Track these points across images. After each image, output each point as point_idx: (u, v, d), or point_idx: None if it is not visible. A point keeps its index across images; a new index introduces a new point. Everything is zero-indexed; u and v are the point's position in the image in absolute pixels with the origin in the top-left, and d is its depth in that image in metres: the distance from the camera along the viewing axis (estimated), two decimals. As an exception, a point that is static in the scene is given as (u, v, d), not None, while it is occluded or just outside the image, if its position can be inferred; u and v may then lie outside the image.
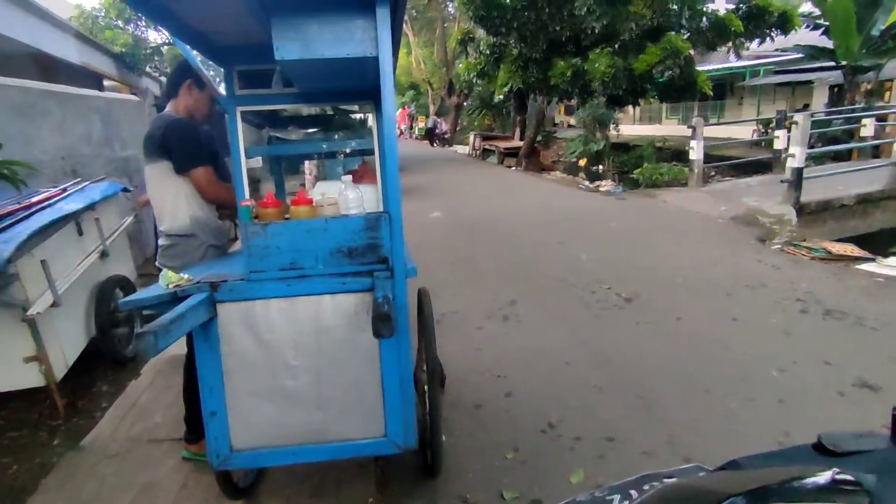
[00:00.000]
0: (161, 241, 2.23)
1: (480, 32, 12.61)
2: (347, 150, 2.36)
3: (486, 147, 17.94)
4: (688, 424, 2.51)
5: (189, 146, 2.11)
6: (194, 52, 1.94)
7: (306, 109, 2.65)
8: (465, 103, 25.37)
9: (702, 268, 4.86)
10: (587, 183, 10.79)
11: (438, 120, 25.43)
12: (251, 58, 1.93)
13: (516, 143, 16.90)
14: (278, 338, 1.53)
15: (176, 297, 1.48)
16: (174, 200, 2.15)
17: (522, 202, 8.90)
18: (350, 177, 1.64)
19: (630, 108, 16.83)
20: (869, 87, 12.63)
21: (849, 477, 0.53)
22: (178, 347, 1.81)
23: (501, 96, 14.70)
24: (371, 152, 2.12)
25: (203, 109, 2.27)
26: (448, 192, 10.24)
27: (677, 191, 8.85)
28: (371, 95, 1.98)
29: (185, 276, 1.61)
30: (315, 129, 2.61)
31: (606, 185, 10.08)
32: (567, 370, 3.10)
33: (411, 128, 31.39)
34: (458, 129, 25.82)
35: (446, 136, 24.05)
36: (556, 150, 18.93)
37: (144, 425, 2.72)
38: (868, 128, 9.80)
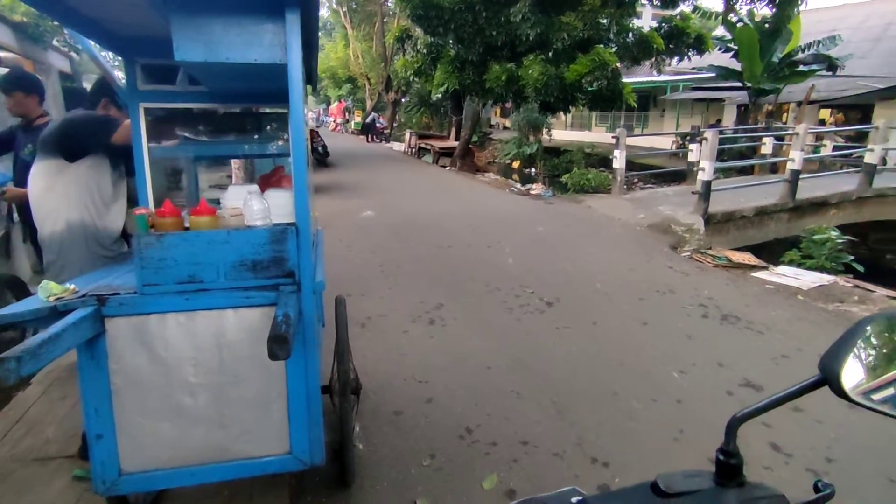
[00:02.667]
0: (42, 250, 2.04)
1: (418, 31, 12.59)
2: (263, 153, 2.27)
3: (422, 146, 17.90)
4: (596, 426, 2.65)
5: (98, 122, 2.01)
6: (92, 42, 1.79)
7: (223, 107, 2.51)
8: (403, 100, 25.18)
9: (619, 273, 5.14)
10: (518, 186, 11.07)
11: (376, 115, 25.08)
12: (156, 51, 1.81)
13: (452, 143, 16.99)
14: (176, 354, 1.44)
15: (57, 312, 1.35)
16: (56, 203, 1.97)
17: (454, 203, 8.99)
18: (256, 186, 1.58)
19: (562, 114, 17.44)
20: (770, 108, 13.90)
21: None
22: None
23: (439, 95, 14.74)
24: (288, 156, 2.05)
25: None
26: (381, 191, 10.16)
27: (601, 197, 9.30)
28: (286, 98, 1.91)
29: (71, 286, 1.48)
30: (232, 129, 2.49)
31: (537, 188, 10.40)
32: (488, 375, 3.17)
33: (347, 122, 30.77)
34: (395, 125, 25.59)
35: (385, 132, 23.77)
36: (491, 151, 19.26)
37: (32, 442, 2.46)
38: (767, 146, 10.79)
